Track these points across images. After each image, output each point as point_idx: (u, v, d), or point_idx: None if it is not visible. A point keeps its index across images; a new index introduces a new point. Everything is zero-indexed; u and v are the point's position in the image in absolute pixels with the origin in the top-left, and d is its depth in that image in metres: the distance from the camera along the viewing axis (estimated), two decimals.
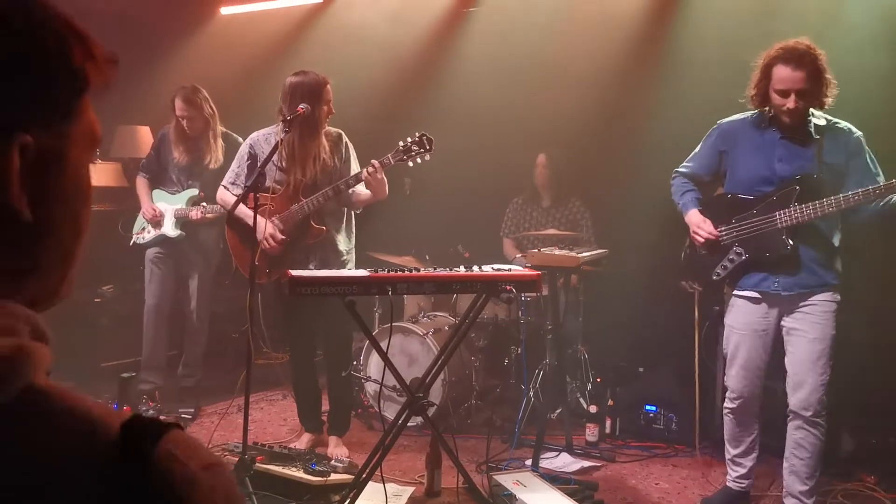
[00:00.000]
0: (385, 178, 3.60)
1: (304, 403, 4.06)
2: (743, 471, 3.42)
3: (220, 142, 4.52)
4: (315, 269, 3.66)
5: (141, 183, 4.69)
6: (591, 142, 5.08)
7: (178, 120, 4.45)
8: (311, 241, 3.75)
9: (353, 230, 3.96)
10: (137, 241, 4.68)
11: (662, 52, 4.94)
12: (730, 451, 3.45)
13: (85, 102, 0.64)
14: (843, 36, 4.01)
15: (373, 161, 3.56)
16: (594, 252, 4.16)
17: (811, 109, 3.09)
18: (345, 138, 3.84)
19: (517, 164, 5.28)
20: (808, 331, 3.14)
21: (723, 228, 3.28)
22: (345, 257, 3.86)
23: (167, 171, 4.63)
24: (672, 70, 4.85)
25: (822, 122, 3.13)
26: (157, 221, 4.57)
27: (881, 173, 3.07)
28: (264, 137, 3.81)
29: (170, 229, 4.57)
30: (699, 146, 3.46)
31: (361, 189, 3.73)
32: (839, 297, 3.16)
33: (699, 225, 3.32)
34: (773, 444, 3.73)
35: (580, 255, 3.93)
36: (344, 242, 3.87)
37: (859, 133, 3.12)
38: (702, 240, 3.31)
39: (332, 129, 3.81)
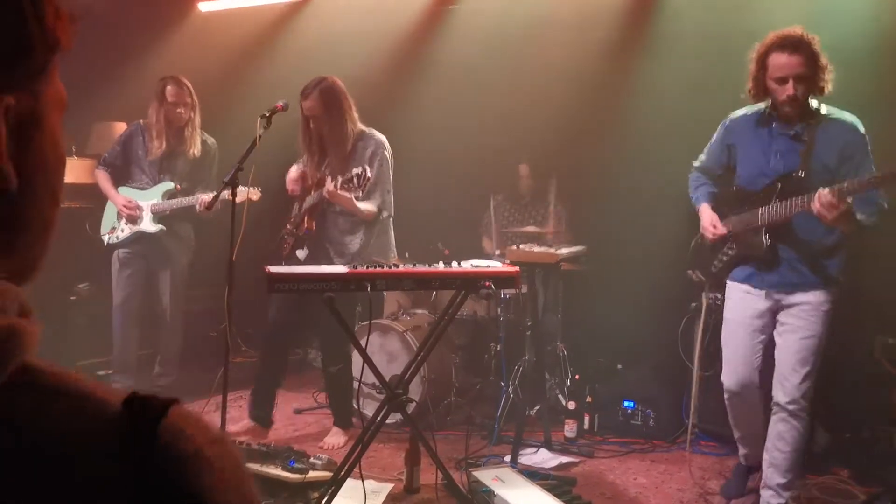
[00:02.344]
0: (346, 196, 3.66)
1: (259, 392, 4.12)
2: (747, 451, 3.45)
3: (199, 132, 4.49)
4: (303, 257, 3.87)
5: (104, 177, 4.56)
6: (570, 139, 5.11)
7: (168, 108, 4.39)
8: (300, 232, 3.89)
9: (377, 236, 3.97)
10: (111, 241, 4.58)
11: (641, 49, 4.97)
12: (735, 432, 3.47)
13: (55, 62, 0.62)
14: (832, 20, 4.04)
15: (327, 189, 3.68)
16: (573, 249, 4.18)
17: (816, 103, 3.03)
18: (377, 145, 3.87)
19: (497, 162, 5.31)
20: (796, 326, 3.11)
21: (727, 222, 3.28)
22: (355, 256, 3.86)
23: (132, 166, 4.54)
24: (650, 67, 4.89)
25: (820, 118, 3.02)
26: (134, 217, 4.50)
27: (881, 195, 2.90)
28: None
29: (149, 225, 4.49)
30: (712, 139, 3.43)
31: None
32: (832, 296, 3.08)
33: (711, 223, 3.29)
34: None
35: (559, 253, 3.95)
36: (356, 245, 3.92)
37: (862, 133, 2.98)
38: (710, 237, 3.31)
39: (371, 133, 3.91)
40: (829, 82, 2.94)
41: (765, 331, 3.22)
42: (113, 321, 4.60)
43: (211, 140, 4.62)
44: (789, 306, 3.14)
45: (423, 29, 5.64)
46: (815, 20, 4.18)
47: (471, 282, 3.10)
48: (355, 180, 3.55)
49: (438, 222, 5.36)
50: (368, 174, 3.55)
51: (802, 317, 3.10)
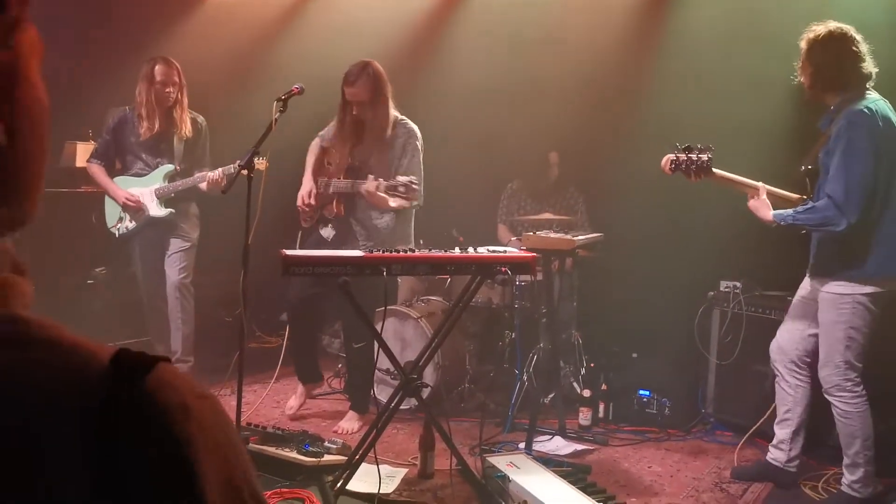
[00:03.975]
0: (384, 197, 3.69)
1: (299, 355, 4.16)
2: (775, 441, 3.51)
3: (188, 112, 4.47)
4: (329, 236, 3.96)
5: (99, 171, 4.52)
6: (587, 126, 5.06)
7: (157, 89, 4.34)
8: (329, 215, 3.97)
9: (402, 224, 4.03)
10: (122, 233, 4.56)
11: (662, 33, 4.92)
12: (777, 416, 3.56)
13: (27, 10, 0.62)
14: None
15: (367, 188, 3.69)
16: (589, 236, 4.15)
17: (846, 93, 3.13)
18: (409, 135, 3.90)
19: (511, 149, 5.26)
20: (823, 313, 3.23)
21: None
22: (383, 232, 3.94)
23: (126, 154, 4.51)
24: (671, 52, 4.83)
25: (841, 110, 3.12)
26: (136, 208, 4.45)
27: (835, 187, 3.01)
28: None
29: (157, 210, 4.46)
30: None
31: None
32: (855, 289, 3.11)
33: None
34: (762, 428, 3.75)
35: (575, 239, 3.92)
36: (384, 223, 3.96)
37: (844, 123, 3.04)
38: None
39: (404, 122, 3.92)
40: (808, 76, 3.16)
41: (809, 311, 3.37)
42: (149, 315, 4.65)
43: (200, 118, 4.57)
44: (821, 294, 3.25)
45: (439, 14, 5.61)
46: (824, 14, 4.16)
47: (487, 267, 3.09)
48: (401, 189, 3.49)
49: (453, 209, 5.33)
50: (415, 185, 3.51)
51: (826, 305, 3.22)
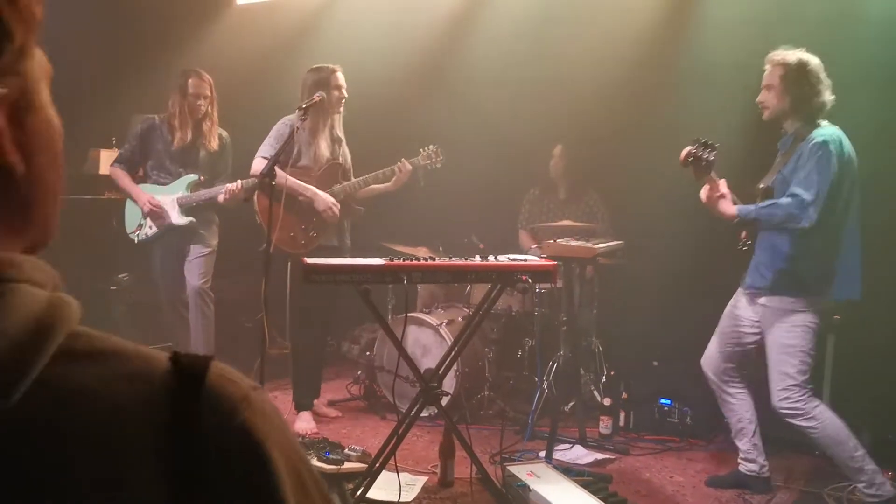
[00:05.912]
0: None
1: (313, 382, 4.26)
2: (743, 454, 3.54)
3: (217, 126, 4.52)
4: (338, 244, 4.12)
5: (123, 175, 4.56)
6: (607, 133, 5.04)
7: (189, 101, 4.40)
8: (351, 219, 4.14)
9: None
10: (141, 239, 4.59)
11: (681, 42, 4.88)
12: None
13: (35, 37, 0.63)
14: (855, 37, 4.00)
15: (406, 161, 4.11)
16: (610, 244, 4.13)
17: (821, 123, 3.20)
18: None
19: (531, 155, 5.26)
20: (767, 333, 3.30)
21: None
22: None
23: (150, 161, 4.54)
24: (690, 60, 4.80)
25: (807, 136, 3.18)
26: (158, 214, 4.49)
27: (806, 187, 3.06)
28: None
29: (177, 218, 4.49)
30: None
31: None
32: (809, 305, 3.19)
33: None
34: (787, 436, 3.71)
35: (596, 247, 3.90)
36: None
37: (818, 143, 3.10)
38: None
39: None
40: (783, 102, 3.20)
41: (743, 324, 3.43)
42: (170, 321, 4.68)
43: (225, 133, 4.63)
44: (762, 310, 3.32)
45: (456, 20, 5.61)
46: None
47: (507, 276, 3.08)
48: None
49: (472, 216, 5.33)
50: None
51: (768, 323, 3.29)
